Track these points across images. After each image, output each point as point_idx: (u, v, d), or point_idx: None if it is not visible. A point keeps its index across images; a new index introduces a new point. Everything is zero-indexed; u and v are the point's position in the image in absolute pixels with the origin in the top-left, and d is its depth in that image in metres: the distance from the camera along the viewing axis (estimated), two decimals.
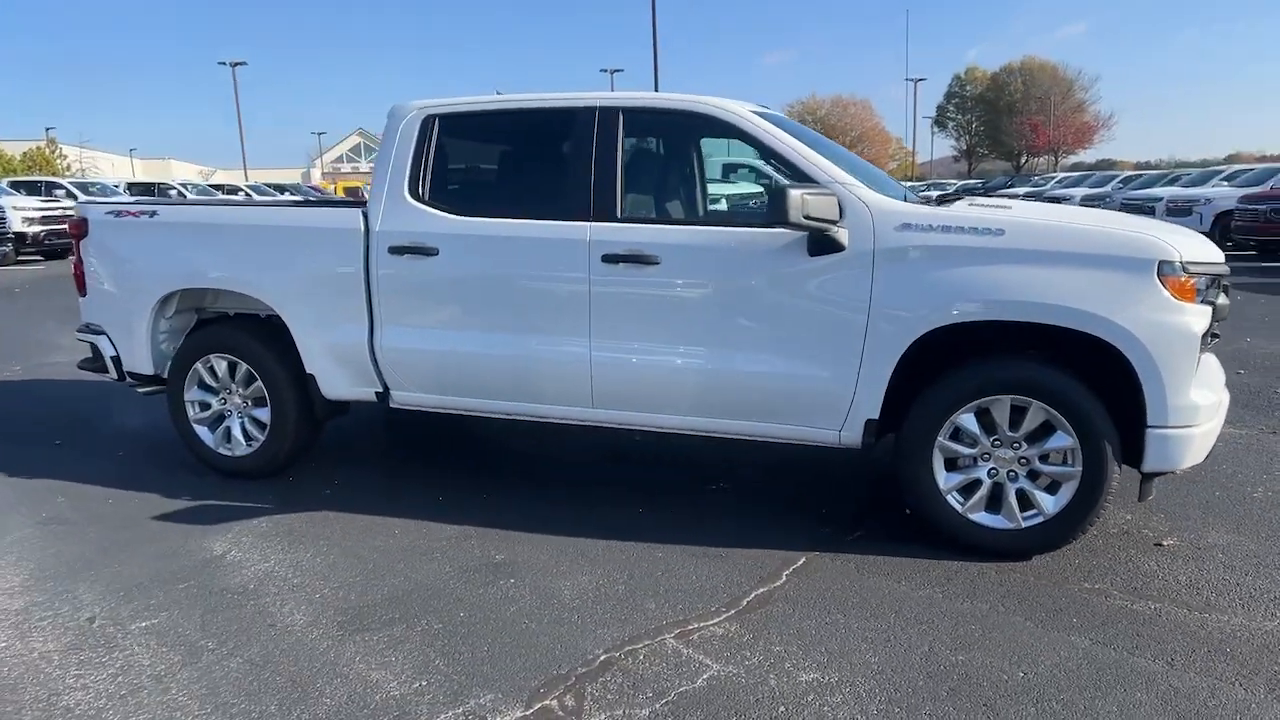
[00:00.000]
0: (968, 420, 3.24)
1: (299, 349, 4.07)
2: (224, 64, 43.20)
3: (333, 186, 38.16)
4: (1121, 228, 3.16)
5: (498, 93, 3.86)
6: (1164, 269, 2.98)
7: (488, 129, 3.99)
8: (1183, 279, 2.99)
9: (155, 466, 4.54)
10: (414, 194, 3.86)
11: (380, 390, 4.07)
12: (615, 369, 3.60)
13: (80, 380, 5.79)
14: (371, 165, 6.84)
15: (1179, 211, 17.26)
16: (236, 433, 4.32)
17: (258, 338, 4.22)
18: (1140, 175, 25.84)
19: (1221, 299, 3.18)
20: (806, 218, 3.12)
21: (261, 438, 4.26)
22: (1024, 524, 3.24)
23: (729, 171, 4.04)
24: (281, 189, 30.68)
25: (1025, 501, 3.25)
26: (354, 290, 3.94)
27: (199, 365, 4.31)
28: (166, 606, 3.02)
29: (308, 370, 4.09)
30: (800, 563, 3.29)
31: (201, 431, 4.39)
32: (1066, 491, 3.18)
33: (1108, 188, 23.64)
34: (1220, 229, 16.19)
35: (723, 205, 4.09)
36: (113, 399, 5.85)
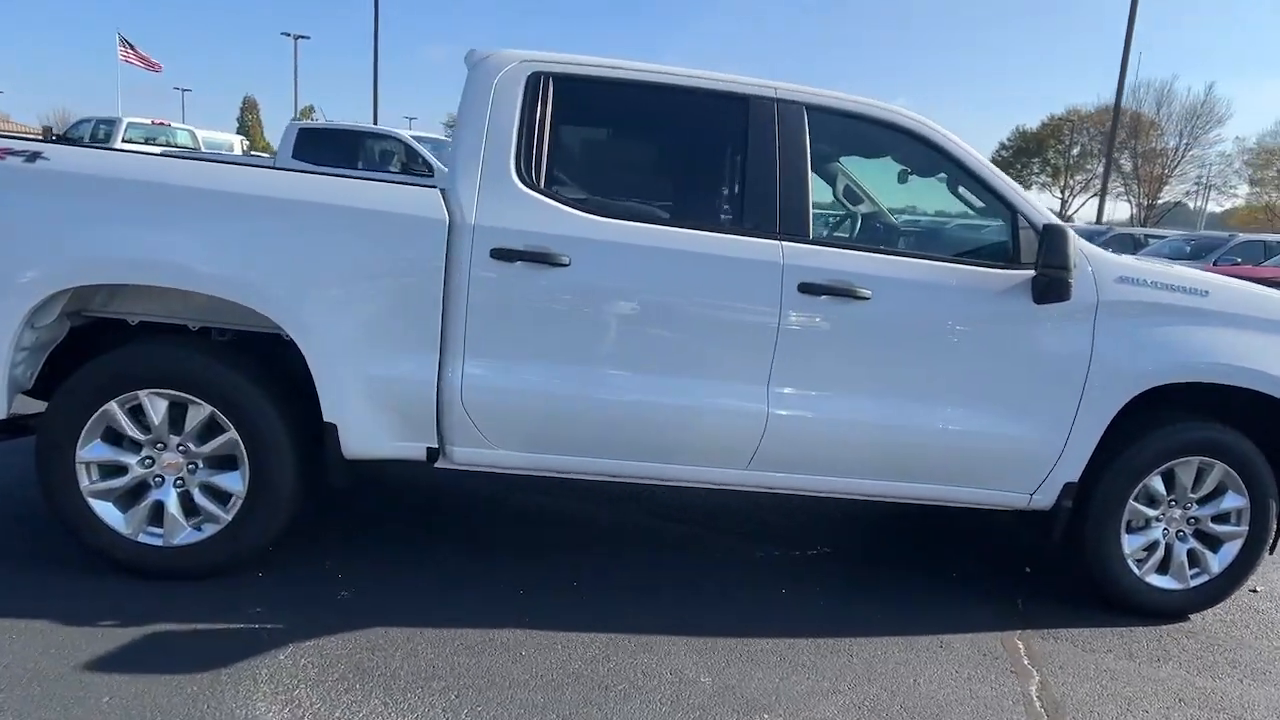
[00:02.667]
0: (1155, 481, 3.16)
1: (318, 386, 2.73)
2: None
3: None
4: None
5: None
6: None
7: (620, 103, 3.01)
8: None
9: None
10: (524, 178, 2.80)
11: (434, 446, 2.90)
12: (796, 424, 2.93)
13: None
14: None
15: None
16: (174, 510, 2.78)
17: (235, 366, 2.76)
18: None
19: None
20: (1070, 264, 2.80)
21: (223, 516, 2.79)
22: (1191, 584, 3.24)
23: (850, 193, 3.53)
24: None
25: (1191, 561, 3.25)
26: (422, 304, 2.75)
27: (113, 406, 2.70)
28: None
29: (326, 418, 2.76)
30: (1024, 646, 2.94)
31: (103, 509, 2.76)
32: (1230, 550, 3.24)
33: None
34: None
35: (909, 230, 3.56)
36: None
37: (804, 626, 2.91)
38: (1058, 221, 2.91)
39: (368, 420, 2.80)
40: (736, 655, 2.69)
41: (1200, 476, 3.18)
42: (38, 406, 2.80)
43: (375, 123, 22.93)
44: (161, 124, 15.43)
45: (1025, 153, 49.36)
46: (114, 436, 2.76)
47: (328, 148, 9.55)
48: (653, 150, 3.20)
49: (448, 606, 2.82)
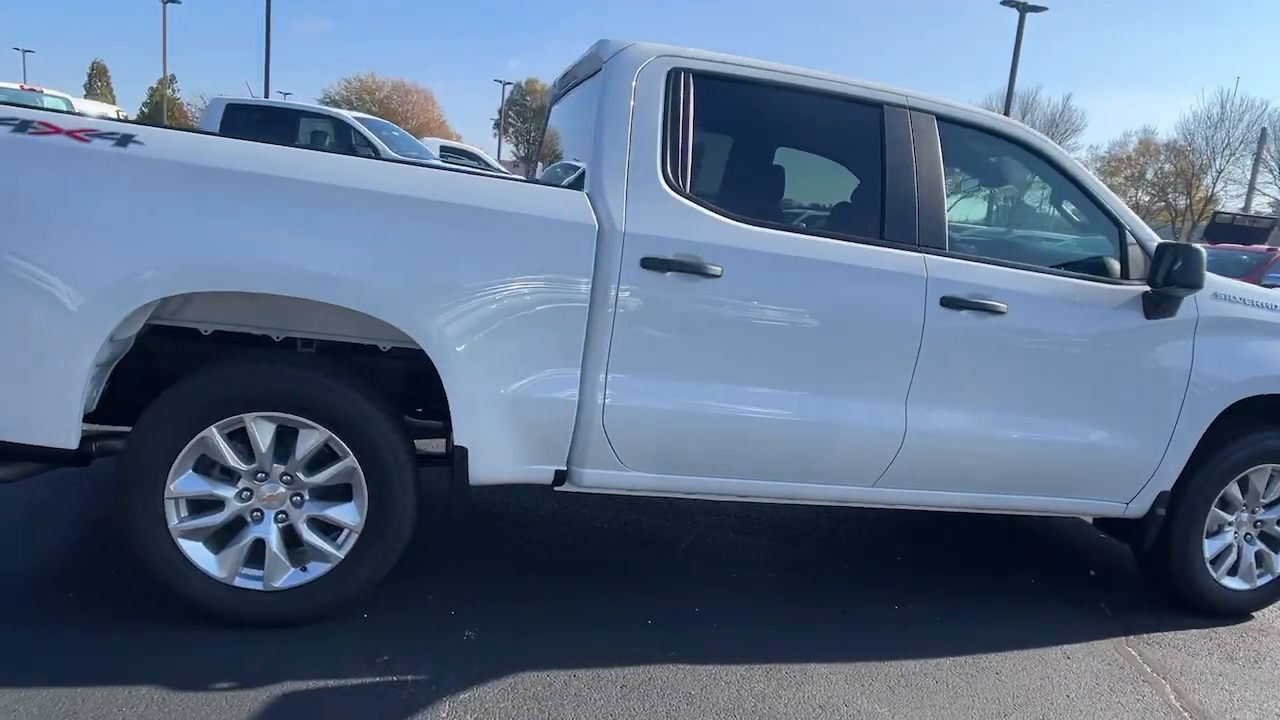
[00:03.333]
0: (1233, 487, 3.31)
1: (451, 406, 2.45)
2: None
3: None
4: None
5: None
6: None
7: (757, 104, 2.83)
8: None
9: (76, 617, 2.34)
10: (671, 182, 2.60)
11: (562, 469, 2.67)
12: (930, 440, 2.87)
13: None
14: None
15: None
16: (277, 548, 2.43)
17: (354, 385, 2.44)
18: None
19: None
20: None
21: (335, 554, 2.47)
22: (1256, 583, 3.43)
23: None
24: None
25: (1257, 562, 3.44)
26: (567, 317, 2.51)
27: (213, 432, 2.33)
28: None
29: (457, 440, 2.49)
30: (1138, 654, 3.02)
31: (194, 550, 2.38)
32: None
33: None
34: None
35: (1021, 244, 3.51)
36: None
37: (936, 645, 2.87)
38: (1176, 241, 2.98)
39: (499, 442, 2.54)
40: (894, 681, 2.62)
41: (1271, 483, 3.37)
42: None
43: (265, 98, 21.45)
44: (33, 90, 13.83)
45: None
46: (208, 467, 2.39)
47: (259, 127, 8.79)
48: (792, 154, 3.05)
49: (582, 642, 2.61)
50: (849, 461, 2.86)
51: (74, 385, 2.20)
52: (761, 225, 2.66)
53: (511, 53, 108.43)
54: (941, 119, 2.93)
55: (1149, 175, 42.13)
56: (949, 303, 2.79)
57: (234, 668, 2.26)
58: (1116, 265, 3.08)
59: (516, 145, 62.58)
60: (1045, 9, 23.22)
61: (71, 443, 2.25)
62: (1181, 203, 39.47)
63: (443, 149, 11.12)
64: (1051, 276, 2.97)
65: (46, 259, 2.15)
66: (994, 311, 2.83)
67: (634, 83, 2.62)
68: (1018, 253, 3.15)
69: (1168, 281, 2.90)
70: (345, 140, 9.22)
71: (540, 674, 2.42)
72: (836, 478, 2.89)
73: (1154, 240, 3.05)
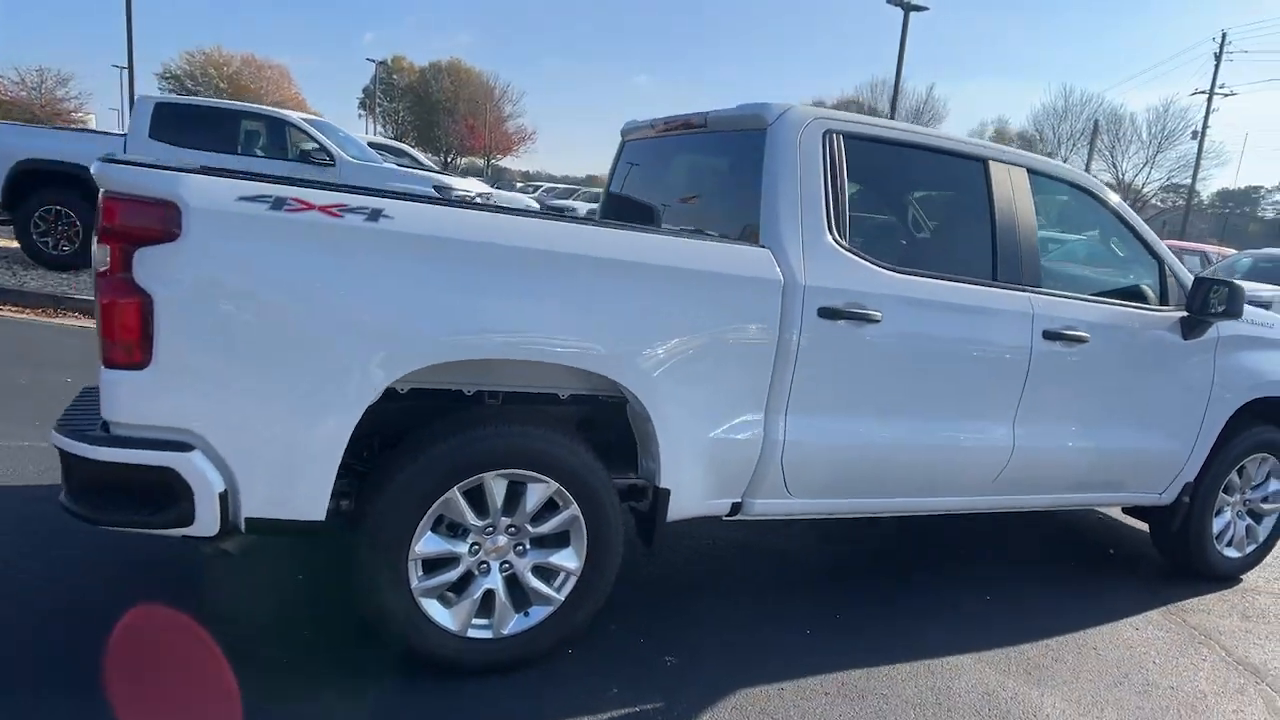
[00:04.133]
0: (1234, 474, 3.95)
1: (661, 451, 2.63)
2: None
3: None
4: None
5: None
6: None
7: (892, 160, 3.13)
8: None
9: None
10: (834, 237, 2.86)
11: (738, 501, 2.91)
12: (1030, 452, 3.30)
13: None
14: None
15: None
16: (504, 597, 2.55)
17: (573, 438, 2.57)
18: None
19: None
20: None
21: (556, 597, 2.60)
22: (1246, 552, 4.11)
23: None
24: None
25: (1246, 534, 4.11)
26: (758, 365, 2.74)
27: (455, 493, 2.41)
28: None
29: (663, 482, 2.67)
30: (1182, 620, 3.58)
31: (432, 608, 2.46)
32: (1269, 523, 4.14)
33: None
34: None
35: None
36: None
37: (1037, 630, 3.32)
38: (1214, 277, 3.52)
39: (695, 482, 2.75)
40: (1026, 665, 3.03)
41: (1259, 468, 4.04)
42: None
43: (133, 89, 19.55)
44: None
45: None
46: (446, 526, 2.47)
47: (192, 128, 8.22)
48: (922, 206, 3.36)
49: (772, 659, 2.86)
50: (971, 476, 3.25)
51: (333, 459, 2.24)
52: (906, 273, 2.97)
53: (366, 26, 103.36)
54: (1031, 171, 3.34)
55: None
56: (1049, 335, 3.20)
57: (508, 714, 2.37)
58: (1156, 294, 3.61)
59: (384, 126, 60.16)
60: (927, 9, 24.55)
61: (321, 514, 2.28)
62: None
63: (370, 145, 10.69)
64: (1117, 307, 3.46)
65: (308, 338, 2.18)
66: (1080, 341, 3.27)
67: (799, 144, 2.86)
68: (1086, 285, 3.60)
69: (1205, 309, 3.44)
70: (280, 141, 8.77)
71: (752, 690, 2.66)
72: (960, 490, 3.28)
73: (1186, 273, 3.60)
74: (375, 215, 2.22)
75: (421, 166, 12.35)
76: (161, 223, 2.04)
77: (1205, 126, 38.86)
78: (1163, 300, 3.60)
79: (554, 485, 2.52)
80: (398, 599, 2.40)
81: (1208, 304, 3.43)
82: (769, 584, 3.49)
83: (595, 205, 22.11)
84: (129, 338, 2.06)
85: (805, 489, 2.96)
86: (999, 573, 3.87)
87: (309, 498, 2.26)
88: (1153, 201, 44.74)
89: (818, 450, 2.90)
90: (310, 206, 2.16)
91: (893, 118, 30.41)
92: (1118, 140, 47.69)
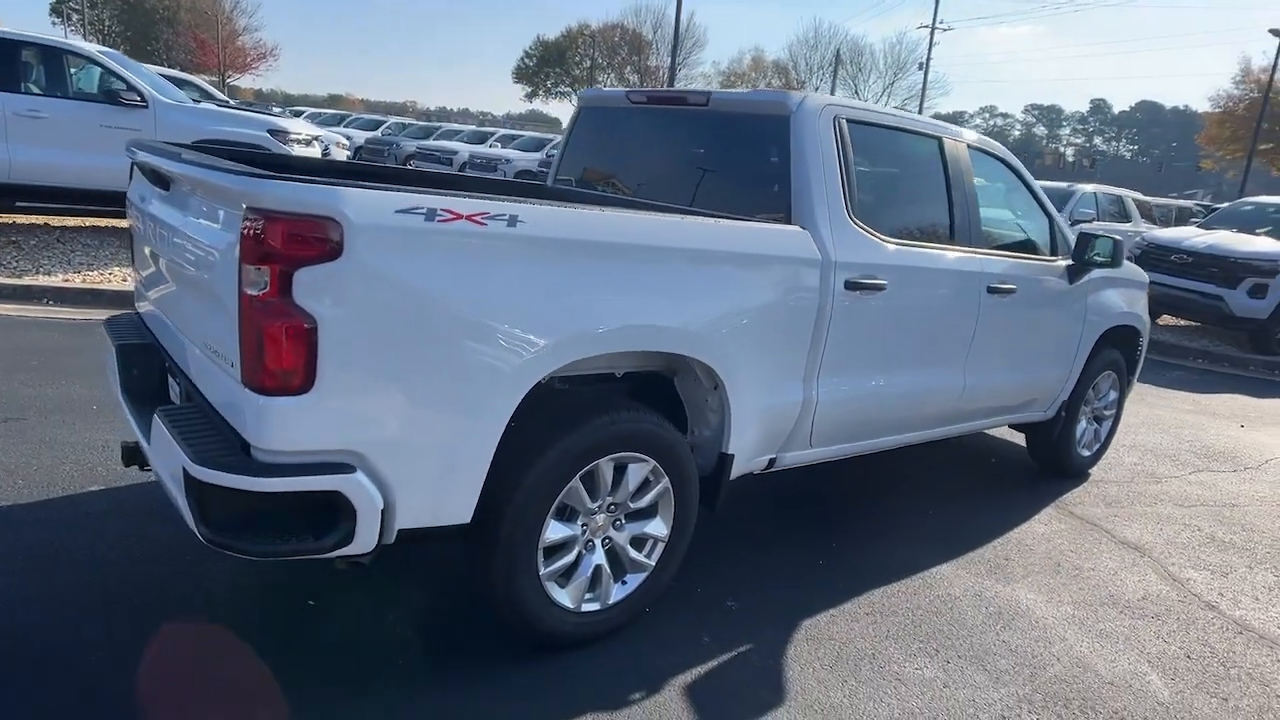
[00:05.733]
0: (1090, 390, 4.88)
1: (731, 421, 2.88)
2: None
3: None
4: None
5: None
6: None
7: (877, 141, 3.46)
8: None
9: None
10: (850, 214, 3.19)
11: (774, 456, 3.24)
12: (975, 389, 3.91)
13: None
14: None
15: (482, 167, 20.21)
16: (609, 570, 2.72)
17: (661, 415, 2.74)
18: (436, 125, 26.87)
19: None
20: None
21: (648, 563, 2.81)
22: (1095, 449, 5.10)
23: None
24: None
25: (1094, 435, 5.10)
26: (803, 335, 3.05)
27: (576, 481, 2.52)
28: None
29: (728, 449, 2.94)
30: (1072, 513, 4.45)
31: (554, 590, 2.58)
32: (1107, 426, 5.16)
33: (377, 133, 25.20)
34: None
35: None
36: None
37: (975, 536, 4.00)
38: (1095, 233, 4.26)
39: (750, 445, 3.04)
40: (982, 564, 3.68)
41: (1108, 383, 5.01)
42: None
43: None
44: None
45: (548, 62, 52.83)
46: (561, 511, 2.58)
47: None
48: (901, 181, 3.72)
49: (818, 597, 3.26)
50: (936, 412, 3.82)
51: (485, 460, 2.28)
52: (899, 244, 3.38)
53: None
54: (969, 146, 3.86)
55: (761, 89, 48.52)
56: (990, 290, 3.78)
57: (623, 680, 2.58)
58: (1048, 247, 4.33)
59: (85, 35, 51.70)
60: None
61: (468, 517, 2.33)
62: None
63: (164, 78, 9.38)
64: (1031, 261, 4.13)
65: (463, 345, 2.18)
66: (1010, 292, 3.90)
67: (818, 130, 3.13)
68: (1004, 243, 4.23)
69: (1086, 258, 4.19)
70: (60, 77, 7.54)
71: (815, 619, 3.06)
72: (925, 425, 3.84)
73: (1068, 228, 4.35)
74: (513, 221, 2.23)
75: (228, 104, 11.05)
76: (325, 241, 1.94)
77: (929, 59, 43.68)
78: (1053, 252, 4.33)
79: (651, 463, 2.70)
80: (530, 586, 2.50)
81: (1086, 254, 4.19)
82: (770, 534, 3.88)
83: (468, 146, 20.31)
84: (293, 364, 1.96)
85: (823, 440, 3.35)
86: (924, 498, 4.55)
87: (460, 502, 2.29)
88: None
89: (838, 405, 3.29)
90: (459, 216, 2.13)
91: (675, 49, 31.09)
92: (859, 70, 52.26)
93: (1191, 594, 3.65)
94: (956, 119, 66.12)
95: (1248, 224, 11.09)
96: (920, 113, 46.03)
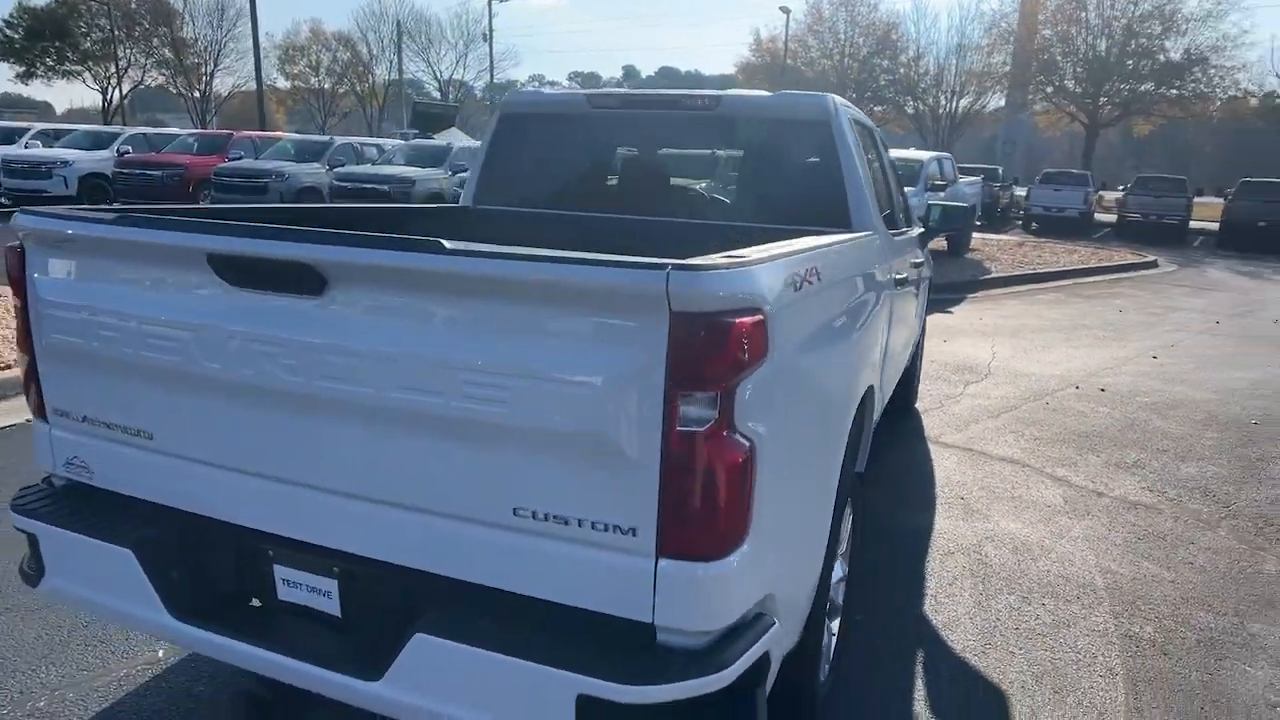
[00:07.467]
0: None
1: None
2: None
3: None
4: None
5: None
6: None
7: (864, 137, 3.51)
8: None
9: None
10: (878, 210, 3.25)
11: None
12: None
13: None
14: None
15: (28, 174, 15.73)
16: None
17: None
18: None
19: None
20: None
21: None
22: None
23: None
24: None
25: None
26: (881, 327, 3.13)
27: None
28: None
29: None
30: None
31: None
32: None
33: None
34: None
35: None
36: None
37: (921, 483, 4.44)
38: (944, 202, 4.85)
39: None
40: (959, 507, 4.10)
41: None
42: None
43: None
44: None
45: (41, 36, 42.63)
46: None
47: None
48: (874, 173, 3.76)
49: (892, 593, 3.34)
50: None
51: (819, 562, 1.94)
52: (894, 233, 3.53)
53: None
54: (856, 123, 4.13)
55: (326, 64, 45.05)
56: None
57: None
58: (902, 217, 4.85)
59: None
60: None
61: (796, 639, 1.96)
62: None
63: None
64: (913, 230, 4.57)
65: (827, 420, 1.83)
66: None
67: (849, 133, 3.11)
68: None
69: (934, 226, 4.80)
70: None
71: (918, 620, 3.15)
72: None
73: (922, 201, 4.92)
74: (819, 274, 1.88)
75: None
76: (762, 342, 1.45)
77: (491, 31, 44.82)
78: (908, 221, 4.86)
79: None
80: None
81: (938, 223, 4.79)
82: None
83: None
84: (744, 511, 1.45)
85: None
86: None
87: (798, 624, 1.91)
88: (482, 101, 49.92)
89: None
90: (810, 279, 1.74)
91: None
92: (430, 43, 51.46)
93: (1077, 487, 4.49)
94: (509, 87, 68.63)
95: None
96: (491, 82, 47.21)
